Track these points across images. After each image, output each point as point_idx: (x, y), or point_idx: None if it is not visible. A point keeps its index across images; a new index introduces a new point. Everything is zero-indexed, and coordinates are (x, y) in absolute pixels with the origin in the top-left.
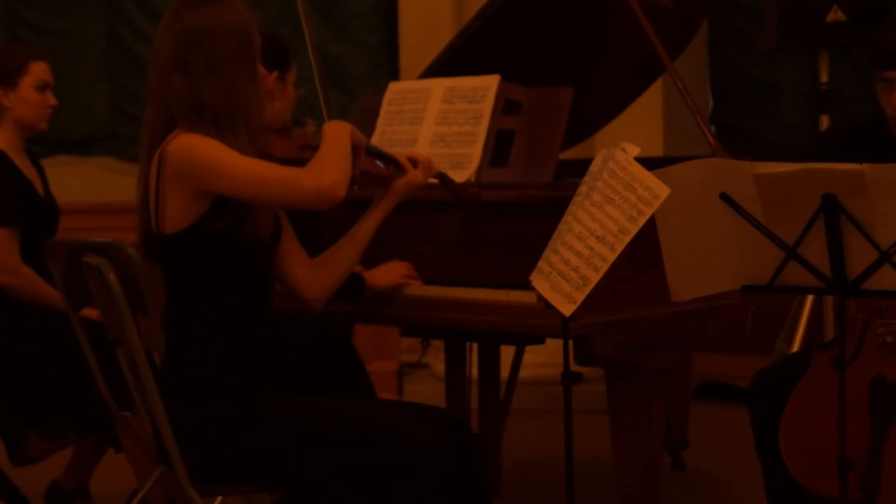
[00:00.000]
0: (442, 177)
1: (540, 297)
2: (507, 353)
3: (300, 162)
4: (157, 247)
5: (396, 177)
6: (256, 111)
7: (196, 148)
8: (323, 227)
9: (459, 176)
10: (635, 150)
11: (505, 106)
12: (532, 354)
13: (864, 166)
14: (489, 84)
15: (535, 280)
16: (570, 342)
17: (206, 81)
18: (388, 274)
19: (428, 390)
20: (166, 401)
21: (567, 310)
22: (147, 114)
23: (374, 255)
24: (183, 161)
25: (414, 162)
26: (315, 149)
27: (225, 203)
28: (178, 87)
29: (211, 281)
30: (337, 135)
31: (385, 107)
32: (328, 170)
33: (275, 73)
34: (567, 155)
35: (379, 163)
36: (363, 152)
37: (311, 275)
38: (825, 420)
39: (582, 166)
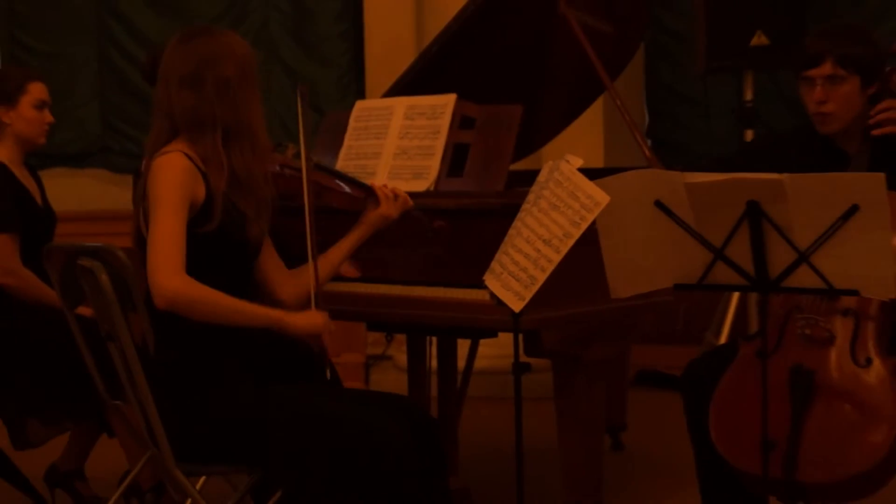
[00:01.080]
0: (415, 211)
1: (492, 295)
2: (463, 345)
3: (280, 177)
4: (145, 245)
5: (369, 203)
6: (261, 130)
7: (161, 175)
8: (293, 236)
9: (419, 185)
10: (578, 162)
11: (461, 122)
12: (486, 347)
13: (784, 176)
14: (446, 102)
15: (488, 279)
16: (520, 336)
17: (218, 100)
18: (309, 318)
19: (392, 380)
20: (154, 390)
21: (517, 306)
22: (153, 124)
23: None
24: (153, 177)
25: (375, 195)
26: (292, 168)
27: (209, 210)
28: (188, 102)
29: (195, 273)
30: (257, 310)
31: (352, 123)
32: (182, 288)
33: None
34: (517, 166)
35: (346, 188)
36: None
37: (286, 281)
38: (749, 405)
39: (530, 176)
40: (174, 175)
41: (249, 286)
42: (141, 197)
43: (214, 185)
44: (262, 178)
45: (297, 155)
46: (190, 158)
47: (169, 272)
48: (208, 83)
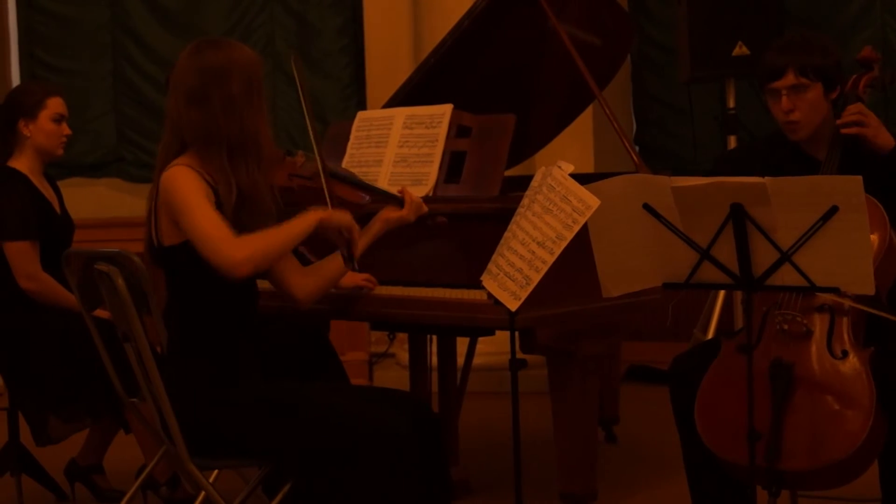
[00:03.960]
0: (427, 214)
1: (490, 295)
2: (462, 343)
3: (289, 190)
4: (157, 255)
5: (389, 205)
6: (266, 143)
7: (175, 185)
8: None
9: (419, 191)
10: (570, 168)
11: (457, 130)
12: (483, 344)
13: (766, 179)
14: (443, 112)
15: (486, 280)
16: (516, 333)
17: (224, 116)
18: (340, 214)
19: (394, 377)
20: (168, 388)
21: (513, 306)
22: (164, 135)
23: None
24: (166, 192)
25: (401, 200)
26: (302, 177)
27: None
28: (195, 118)
29: (204, 285)
30: (297, 221)
31: (354, 133)
32: (248, 249)
33: None
34: (511, 172)
35: (364, 194)
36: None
37: (302, 280)
38: (732, 398)
39: (524, 182)
40: (188, 180)
41: (255, 289)
42: (152, 211)
43: (224, 200)
44: (268, 193)
45: (306, 164)
46: (196, 172)
47: (231, 246)
48: (214, 99)
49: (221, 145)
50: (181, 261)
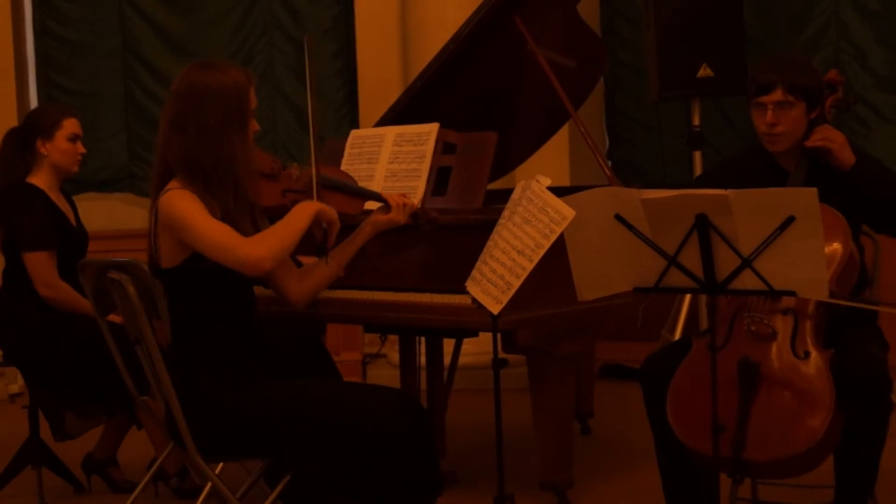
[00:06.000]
0: (419, 211)
1: (474, 300)
2: (448, 344)
3: (283, 208)
4: (158, 275)
5: (377, 209)
6: (245, 170)
7: (175, 205)
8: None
9: None
10: (547, 181)
11: (443, 147)
12: (468, 345)
13: (728, 191)
14: (430, 130)
15: (470, 286)
16: (499, 335)
17: (200, 144)
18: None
19: (386, 375)
20: (176, 387)
21: (495, 309)
22: (154, 161)
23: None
24: (166, 214)
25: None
26: (296, 192)
27: None
28: (176, 146)
29: (204, 297)
30: (297, 214)
31: (348, 150)
32: (265, 245)
33: None
34: (493, 186)
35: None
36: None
37: (299, 284)
38: (701, 393)
39: (505, 195)
40: (186, 199)
41: (253, 297)
42: (151, 233)
43: None
44: (247, 220)
45: (301, 176)
46: (191, 193)
47: (250, 247)
48: (191, 127)
49: (197, 172)
50: (179, 282)
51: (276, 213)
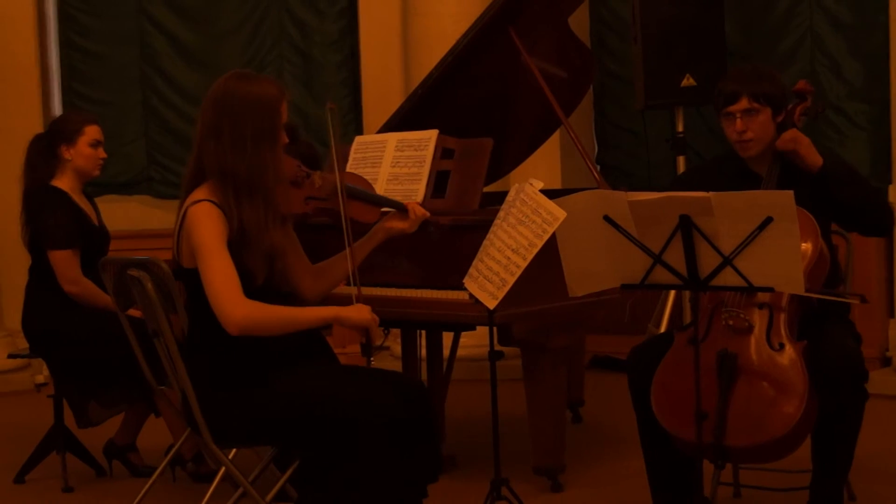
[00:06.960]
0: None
1: (471, 296)
2: (447, 337)
3: (305, 215)
4: (180, 273)
5: (393, 216)
6: (275, 183)
7: (198, 226)
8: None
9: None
10: (540, 184)
11: (442, 152)
12: (466, 338)
13: (711, 194)
14: (430, 136)
15: (467, 282)
16: (495, 328)
17: (234, 154)
18: (359, 311)
19: (389, 367)
20: (192, 378)
21: (491, 304)
22: (189, 160)
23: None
24: (190, 226)
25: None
26: (318, 199)
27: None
28: (211, 152)
29: None
30: (312, 312)
31: (352, 155)
32: (249, 313)
33: None
34: (489, 188)
35: (374, 212)
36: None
37: (312, 283)
38: (684, 383)
39: (500, 197)
40: (210, 223)
41: (264, 294)
42: (177, 233)
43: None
44: (275, 231)
45: (323, 185)
46: (217, 205)
47: (233, 304)
48: (225, 136)
49: (228, 181)
50: (197, 281)
51: (297, 220)
